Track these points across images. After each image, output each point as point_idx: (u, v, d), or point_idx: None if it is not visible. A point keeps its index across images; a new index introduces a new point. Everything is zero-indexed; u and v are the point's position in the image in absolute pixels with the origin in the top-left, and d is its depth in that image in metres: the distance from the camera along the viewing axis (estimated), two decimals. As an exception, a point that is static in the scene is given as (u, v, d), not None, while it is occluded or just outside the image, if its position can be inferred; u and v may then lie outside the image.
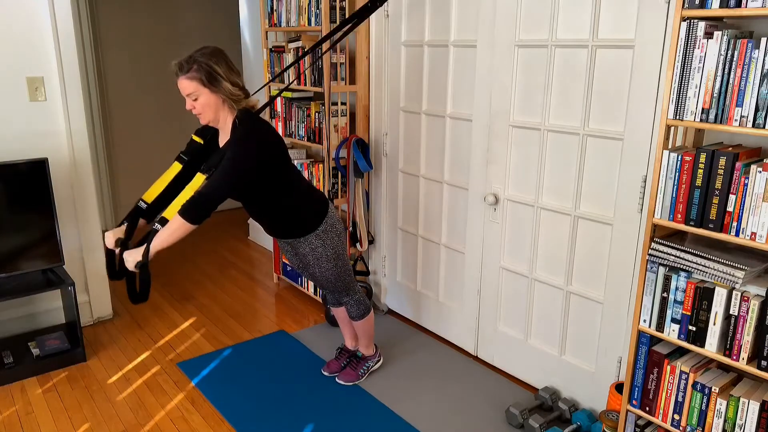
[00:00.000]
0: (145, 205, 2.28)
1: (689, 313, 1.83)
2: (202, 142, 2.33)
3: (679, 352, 1.95)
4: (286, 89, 3.29)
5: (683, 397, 1.90)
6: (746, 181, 1.65)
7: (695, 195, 1.76)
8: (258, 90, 2.81)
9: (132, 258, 2.10)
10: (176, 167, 2.31)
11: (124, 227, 2.27)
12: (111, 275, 2.29)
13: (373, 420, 2.57)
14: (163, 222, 2.11)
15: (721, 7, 1.62)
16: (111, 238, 2.24)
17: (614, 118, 2.29)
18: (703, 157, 1.73)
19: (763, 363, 1.69)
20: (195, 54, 2.12)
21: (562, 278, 2.61)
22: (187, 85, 2.11)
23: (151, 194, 2.28)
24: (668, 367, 1.92)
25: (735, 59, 1.61)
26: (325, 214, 2.44)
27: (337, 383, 2.83)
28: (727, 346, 1.76)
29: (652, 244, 1.88)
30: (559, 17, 2.40)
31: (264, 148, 2.16)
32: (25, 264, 2.92)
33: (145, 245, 2.10)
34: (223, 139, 2.26)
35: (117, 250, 2.20)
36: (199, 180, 2.12)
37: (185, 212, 2.07)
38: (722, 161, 1.68)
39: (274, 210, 2.37)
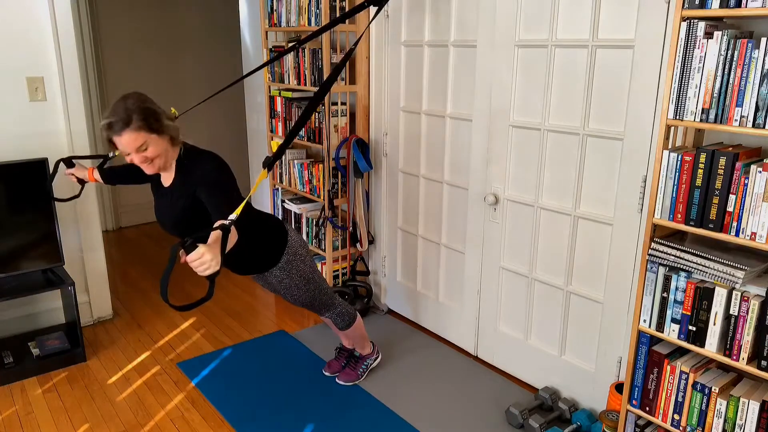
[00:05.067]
0: (113, 156, 2.41)
1: (689, 313, 1.83)
2: None
3: (679, 352, 1.95)
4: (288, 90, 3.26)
5: (683, 397, 1.90)
6: (746, 181, 1.65)
7: (695, 195, 1.76)
8: (250, 73, 2.79)
9: (216, 265, 1.64)
10: None
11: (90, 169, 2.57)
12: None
13: (373, 420, 2.57)
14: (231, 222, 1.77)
15: (721, 7, 1.62)
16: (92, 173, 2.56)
17: (614, 118, 2.29)
18: (703, 157, 1.73)
19: (763, 363, 1.69)
20: (127, 104, 1.96)
21: (562, 278, 2.61)
22: (133, 138, 1.94)
23: None
24: (668, 367, 1.92)
25: (735, 59, 1.61)
26: (284, 245, 2.35)
27: (337, 383, 2.83)
28: (727, 346, 1.76)
29: (652, 244, 1.88)
30: (559, 17, 2.40)
31: (227, 167, 2.10)
32: (25, 264, 2.92)
33: (221, 249, 1.69)
34: (167, 178, 2.16)
35: (182, 256, 1.66)
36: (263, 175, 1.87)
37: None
38: (722, 161, 1.68)
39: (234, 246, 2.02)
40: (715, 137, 1.94)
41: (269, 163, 1.92)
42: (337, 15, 3.19)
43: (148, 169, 2.07)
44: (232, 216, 1.74)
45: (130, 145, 1.96)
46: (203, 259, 1.60)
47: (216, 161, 2.10)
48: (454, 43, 2.86)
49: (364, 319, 3.46)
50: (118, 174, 2.56)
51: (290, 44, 3.48)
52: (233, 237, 1.81)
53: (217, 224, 1.75)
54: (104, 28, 4.76)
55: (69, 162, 2.61)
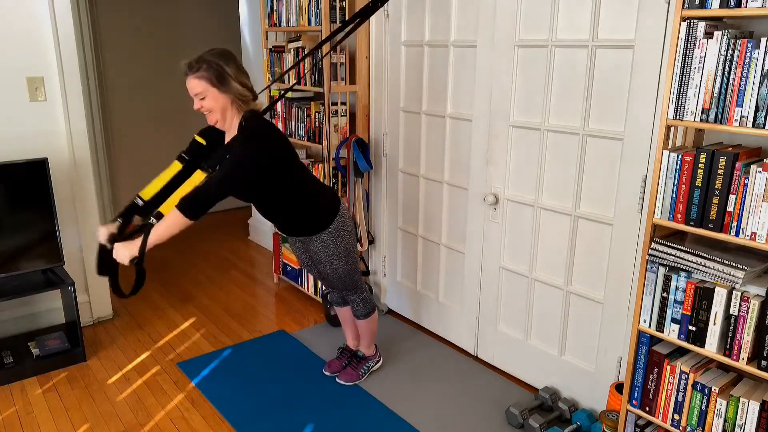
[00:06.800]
0: (142, 202, 2.27)
1: (689, 313, 1.83)
2: (204, 143, 2.33)
3: (679, 352, 1.95)
4: (290, 90, 3.27)
5: (683, 397, 1.90)
6: (746, 181, 1.65)
7: (695, 195, 1.76)
8: (261, 91, 2.82)
9: (127, 252, 2.07)
10: (176, 166, 2.31)
11: (117, 223, 2.25)
12: (99, 270, 2.24)
13: (373, 420, 2.57)
14: (159, 217, 2.08)
15: (721, 7, 1.62)
16: (104, 233, 2.21)
17: (614, 118, 2.29)
18: (703, 157, 1.73)
19: (763, 363, 1.69)
20: (204, 54, 2.13)
21: (562, 278, 2.61)
22: (195, 84, 2.11)
23: (149, 192, 2.28)
24: (668, 367, 1.92)
25: (735, 59, 1.61)
26: (336, 213, 2.46)
27: (337, 383, 2.83)
28: (727, 346, 1.76)
29: (652, 244, 1.88)
30: (559, 17, 2.40)
31: (266, 150, 2.17)
32: (25, 264, 2.92)
33: (141, 239, 2.06)
34: (228, 139, 2.27)
35: (109, 246, 2.17)
36: (198, 177, 2.12)
37: (183, 207, 2.06)
38: (722, 161, 1.69)
39: (284, 209, 2.38)
40: (715, 137, 1.94)
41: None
42: (337, 15, 3.19)
43: (209, 120, 2.20)
44: (159, 210, 2.09)
45: (191, 89, 2.13)
46: (116, 254, 2.09)
47: (250, 131, 2.14)
48: (454, 43, 2.86)
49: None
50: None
51: (290, 44, 3.48)
52: (175, 222, 2.07)
53: (141, 222, 2.15)
54: (104, 28, 4.76)
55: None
